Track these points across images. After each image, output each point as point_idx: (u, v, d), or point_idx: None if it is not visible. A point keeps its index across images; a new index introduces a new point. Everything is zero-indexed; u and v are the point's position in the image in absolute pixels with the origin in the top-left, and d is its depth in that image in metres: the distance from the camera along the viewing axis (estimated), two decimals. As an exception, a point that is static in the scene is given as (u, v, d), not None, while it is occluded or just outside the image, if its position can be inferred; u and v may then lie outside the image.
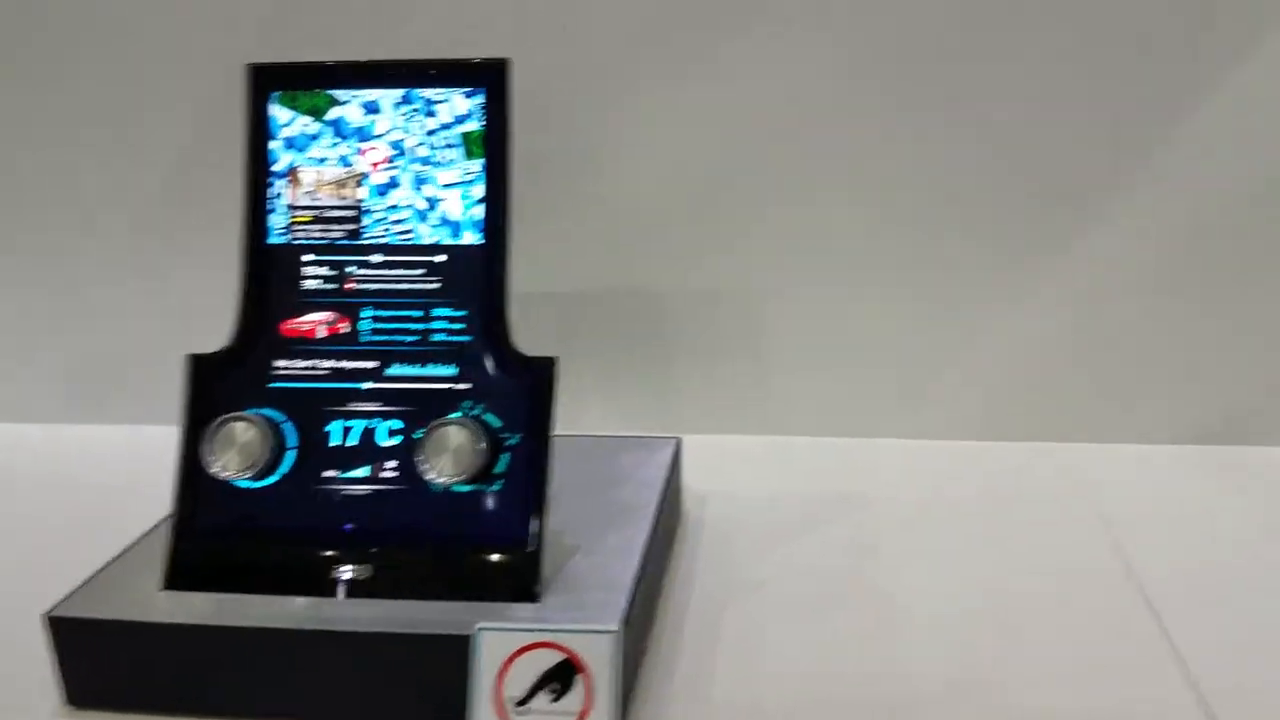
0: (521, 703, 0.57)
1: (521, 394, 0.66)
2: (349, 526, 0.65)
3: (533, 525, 0.64)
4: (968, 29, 0.91)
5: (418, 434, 0.65)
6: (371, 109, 0.70)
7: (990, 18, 0.90)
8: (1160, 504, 0.89)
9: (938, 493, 0.92)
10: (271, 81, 0.71)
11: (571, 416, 1.00)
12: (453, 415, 0.65)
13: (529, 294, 0.98)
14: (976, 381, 0.99)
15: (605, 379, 1.02)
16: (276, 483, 0.66)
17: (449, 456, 0.63)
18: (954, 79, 0.92)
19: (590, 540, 0.70)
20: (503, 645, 0.59)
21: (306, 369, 0.68)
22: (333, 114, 0.70)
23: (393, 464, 0.66)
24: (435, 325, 0.68)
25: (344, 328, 0.68)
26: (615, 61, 0.94)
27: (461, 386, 0.67)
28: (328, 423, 0.67)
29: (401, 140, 0.69)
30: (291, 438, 0.66)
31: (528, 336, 0.99)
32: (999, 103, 0.92)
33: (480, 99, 0.69)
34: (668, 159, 0.96)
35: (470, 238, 0.68)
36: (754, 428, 1.01)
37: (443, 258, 0.68)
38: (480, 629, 0.59)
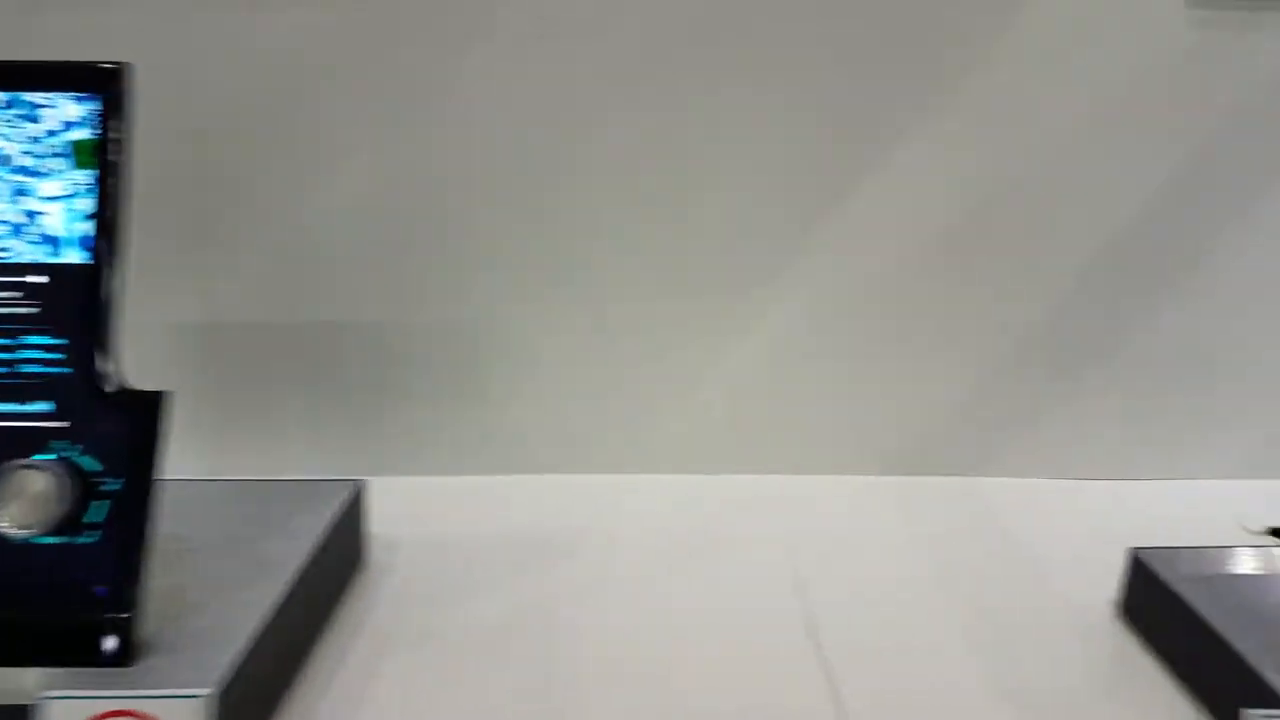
0: (91, 782, 0.50)
1: (126, 434, 0.59)
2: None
3: (129, 580, 0.57)
4: (679, 50, 0.89)
5: (-7, 479, 0.57)
6: (-32, 112, 0.62)
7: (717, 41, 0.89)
8: (842, 533, 0.89)
9: (638, 529, 0.88)
10: None
11: (270, 459, 0.94)
12: (37, 457, 0.57)
13: (222, 324, 0.92)
14: (686, 416, 0.96)
15: (310, 417, 0.95)
16: None
17: (25, 504, 0.56)
18: (673, 108, 0.89)
19: (217, 596, 0.63)
20: (72, 715, 0.51)
21: None
22: (-77, 117, 0.62)
23: (-33, 514, 0.57)
24: (27, 355, 0.60)
25: (-81, 358, 0.59)
26: (318, 76, 0.88)
27: (55, 425, 0.59)
28: (-109, 467, 0.58)
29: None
30: None
31: (221, 368, 0.93)
32: (704, 144, 0.90)
33: (95, 106, 0.62)
34: (376, 181, 0.91)
35: (74, 257, 0.61)
36: (470, 467, 0.96)
37: (41, 279, 0.61)
38: (46, 697, 0.51)
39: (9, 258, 0.61)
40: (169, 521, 0.70)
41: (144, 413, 0.59)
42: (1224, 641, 0.65)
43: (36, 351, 0.60)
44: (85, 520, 0.57)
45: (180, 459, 0.90)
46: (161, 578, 0.62)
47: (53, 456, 0.58)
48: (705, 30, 0.88)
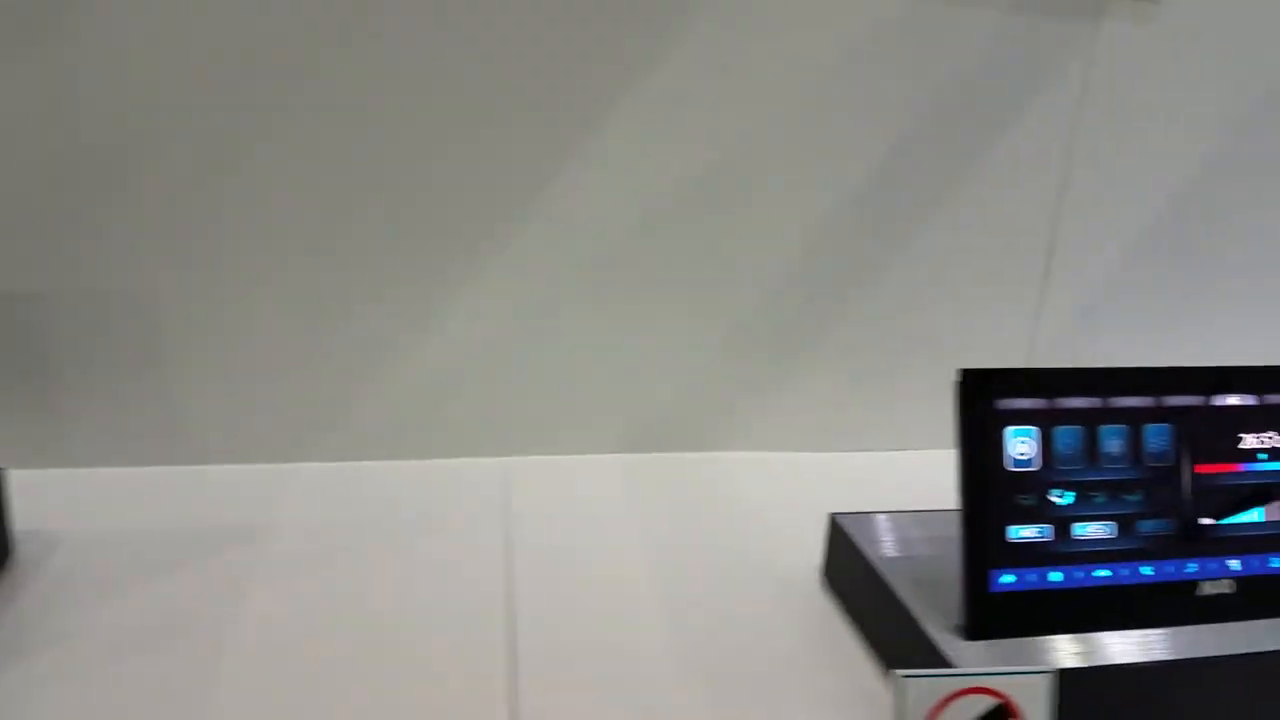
0: None
1: None
2: None
3: None
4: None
5: None
6: None
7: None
8: (564, 510, 0.86)
9: (340, 519, 0.82)
10: None
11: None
12: None
13: None
14: (397, 399, 0.90)
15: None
16: None
17: None
18: (368, 74, 0.82)
19: None
20: None
21: None
22: None
23: None
24: None
25: None
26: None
27: None
28: None
29: None
30: None
31: None
32: (417, 117, 0.84)
33: None
34: (28, 135, 0.80)
35: None
36: (140, 458, 0.87)
37: None
38: None
39: None
40: None
41: None
42: (900, 602, 0.65)
43: None
44: None
45: None
46: None
47: None
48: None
